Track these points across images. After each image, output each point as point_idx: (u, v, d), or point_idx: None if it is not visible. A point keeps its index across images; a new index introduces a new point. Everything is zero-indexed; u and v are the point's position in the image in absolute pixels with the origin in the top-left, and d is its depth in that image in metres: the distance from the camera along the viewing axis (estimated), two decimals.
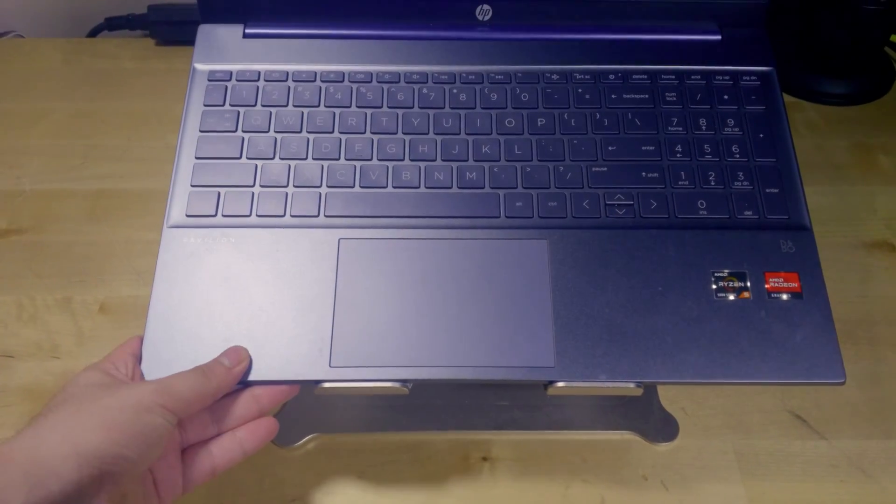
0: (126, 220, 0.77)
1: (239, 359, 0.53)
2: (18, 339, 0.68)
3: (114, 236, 0.76)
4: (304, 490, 0.60)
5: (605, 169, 0.61)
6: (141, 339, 0.54)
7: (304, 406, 0.64)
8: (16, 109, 0.88)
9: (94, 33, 1.00)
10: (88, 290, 0.72)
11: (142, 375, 0.53)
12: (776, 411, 0.64)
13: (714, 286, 0.56)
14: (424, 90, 0.64)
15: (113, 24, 0.98)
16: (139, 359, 0.53)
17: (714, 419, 0.63)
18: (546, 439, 0.62)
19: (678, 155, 0.62)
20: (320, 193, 0.60)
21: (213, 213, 0.59)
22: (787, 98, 0.88)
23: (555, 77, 0.65)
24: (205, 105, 0.63)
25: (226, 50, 0.66)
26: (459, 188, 0.60)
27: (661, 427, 0.63)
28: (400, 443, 0.62)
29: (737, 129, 0.63)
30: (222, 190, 0.60)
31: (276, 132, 0.62)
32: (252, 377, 0.53)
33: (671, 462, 0.61)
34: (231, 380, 0.52)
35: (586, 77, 0.65)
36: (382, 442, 0.62)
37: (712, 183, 0.61)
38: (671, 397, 0.65)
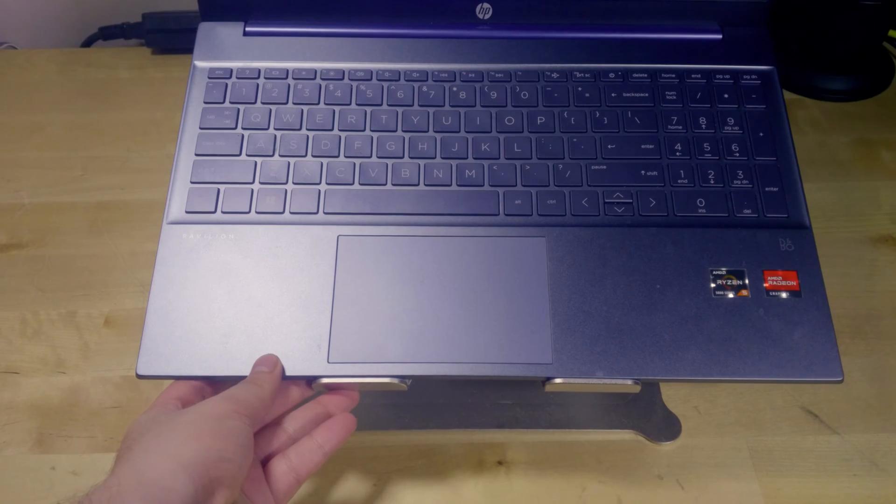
0: (128, 232, 0.77)
1: (273, 363, 0.53)
2: (23, 354, 0.68)
3: (116, 248, 0.76)
4: (320, 498, 0.59)
5: (605, 167, 0.61)
6: (186, 383, 0.53)
7: None
8: (11, 121, 0.88)
9: (88, 43, 1.00)
10: (93, 303, 0.71)
11: None
12: (788, 407, 0.64)
13: (712, 284, 0.56)
14: (424, 88, 0.64)
15: (107, 34, 0.98)
16: (183, 401, 0.52)
17: (727, 417, 0.63)
18: (559, 441, 0.62)
19: (678, 153, 0.62)
20: (319, 190, 0.60)
21: (213, 209, 0.59)
22: (789, 95, 0.88)
23: (555, 75, 0.65)
24: (205, 102, 0.63)
25: (226, 47, 0.66)
26: (459, 186, 0.60)
27: (663, 426, 0.62)
28: (414, 448, 0.62)
29: (737, 128, 0.63)
30: (222, 186, 0.60)
31: (275, 129, 0.62)
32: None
33: (686, 461, 0.61)
34: (275, 381, 0.52)
35: (586, 75, 0.65)
36: (396, 447, 0.62)
37: (711, 181, 0.61)
38: (683, 396, 0.64)
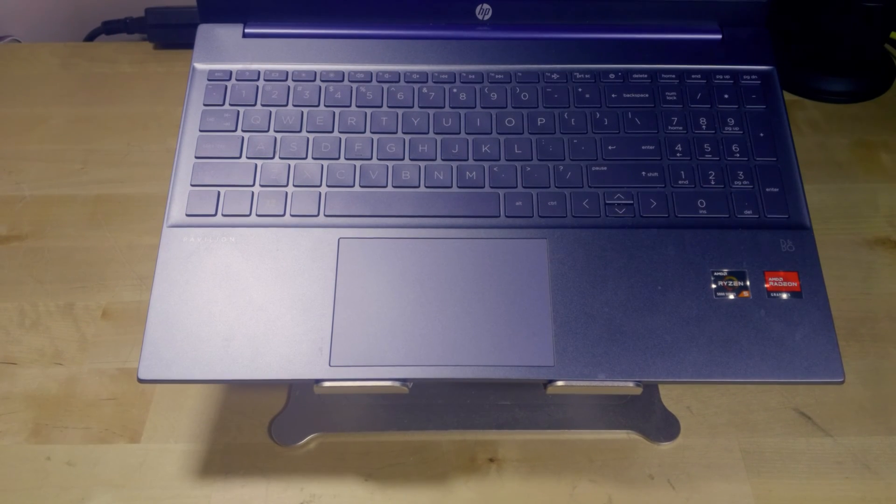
0: (127, 225, 0.77)
1: None
2: (21, 345, 0.68)
3: (115, 241, 0.76)
4: (312, 493, 0.60)
5: (605, 168, 0.61)
6: None
7: (305, 405, 0.64)
8: (14, 114, 0.88)
9: (91, 37, 1.00)
10: (90, 295, 0.71)
11: None
12: (781, 409, 0.64)
13: (713, 285, 0.56)
14: (424, 89, 0.64)
15: (110, 28, 0.98)
16: None
17: (719, 418, 0.63)
18: (552, 439, 0.62)
19: (678, 154, 0.62)
20: (320, 193, 0.60)
21: (213, 212, 0.59)
22: (788, 96, 0.88)
23: (555, 76, 0.65)
24: (204, 105, 0.63)
25: (225, 49, 0.66)
26: (459, 188, 0.60)
27: (662, 426, 0.63)
28: (406, 445, 0.62)
29: (737, 129, 0.63)
30: (222, 189, 0.60)
31: (275, 132, 0.62)
32: (253, 377, 0.53)
33: (677, 461, 0.61)
34: None
35: (586, 76, 0.65)
36: (388, 444, 0.62)
37: (712, 182, 0.61)
38: (676, 396, 0.64)
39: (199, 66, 0.65)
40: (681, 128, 0.63)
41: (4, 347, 0.68)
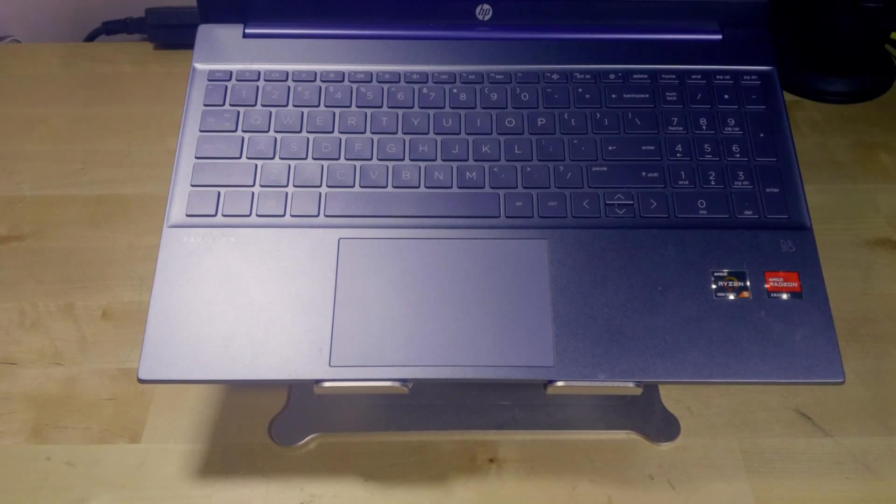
0: (127, 226, 0.77)
1: None
2: (21, 345, 0.68)
3: (115, 242, 0.76)
4: (312, 493, 0.60)
5: (605, 169, 0.61)
6: None
7: (305, 405, 0.64)
8: (14, 115, 0.88)
9: (91, 37, 1.00)
10: (91, 295, 0.71)
11: None
12: (781, 409, 0.64)
13: (714, 286, 0.56)
14: (424, 90, 0.64)
15: (110, 28, 0.98)
16: None
17: (719, 418, 0.63)
18: (552, 440, 0.62)
19: (678, 154, 0.62)
20: (320, 193, 0.60)
21: (213, 212, 0.59)
22: (789, 96, 0.88)
23: (555, 77, 0.65)
24: (205, 105, 0.63)
25: (226, 50, 0.66)
26: (459, 188, 0.60)
27: (662, 427, 0.63)
28: (406, 445, 0.62)
29: (737, 129, 0.63)
30: (222, 189, 0.60)
31: (275, 132, 0.62)
32: (253, 377, 0.53)
33: (677, 461, 0.61)
34: None
35: (586, 77, 0.65)
36: (388, 444, 0.62)
37: (712, 182, 0.61)
38: (676, 397, 0.64)
39: (199, 66, 0.65)
40: (681, 128, 0.63)
41: (4, 347, 0.68)
